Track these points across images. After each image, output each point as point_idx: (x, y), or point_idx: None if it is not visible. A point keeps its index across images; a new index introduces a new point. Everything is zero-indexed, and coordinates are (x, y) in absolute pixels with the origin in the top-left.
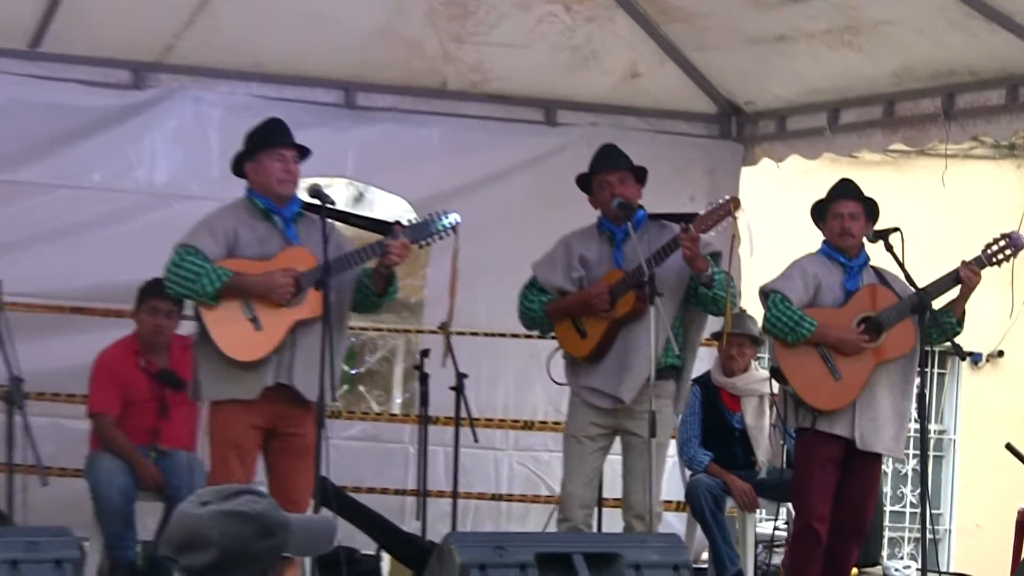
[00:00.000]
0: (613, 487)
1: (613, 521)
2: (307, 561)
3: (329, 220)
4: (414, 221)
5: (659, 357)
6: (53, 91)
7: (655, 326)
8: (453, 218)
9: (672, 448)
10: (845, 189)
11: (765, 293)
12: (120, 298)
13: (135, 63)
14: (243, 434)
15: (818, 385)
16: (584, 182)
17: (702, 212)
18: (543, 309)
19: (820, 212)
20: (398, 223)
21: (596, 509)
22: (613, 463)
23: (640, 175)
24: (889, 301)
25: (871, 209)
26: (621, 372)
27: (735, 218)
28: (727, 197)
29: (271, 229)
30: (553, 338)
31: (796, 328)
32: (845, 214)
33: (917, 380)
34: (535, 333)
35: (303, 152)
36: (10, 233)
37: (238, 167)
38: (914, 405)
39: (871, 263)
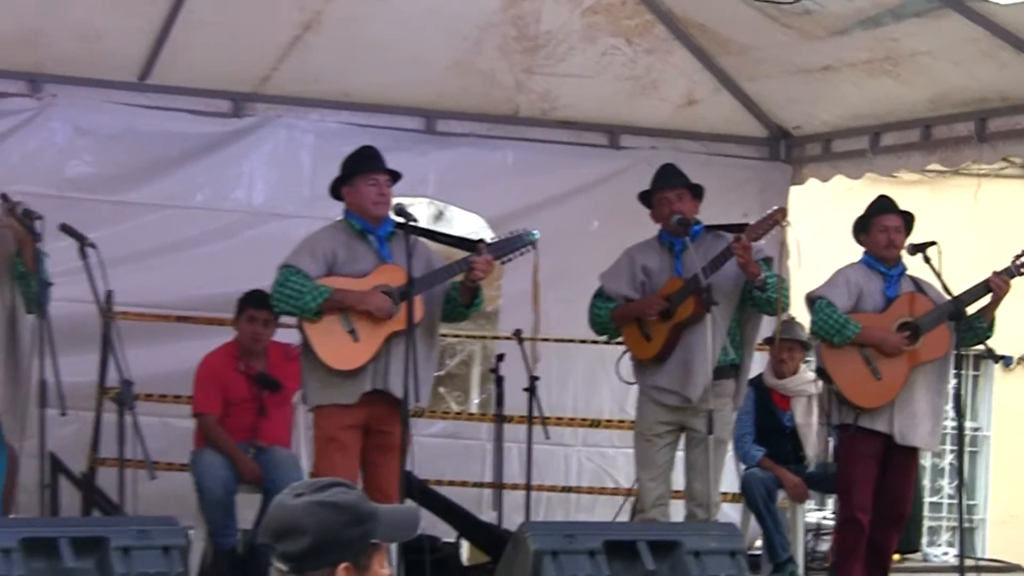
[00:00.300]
0: (676, 480)
1: (676, 511)
2: (393, 548)
3: (419, 237)
4: (497, 239)
5: (718, 358)
6: (161, 120)
7: (711, 333)
8: (534, 235)
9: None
10: (888, 204)
11: (811, 299)
12: (221, 308)
13: (234, 93)
14: (344, 433)
15: (860, 384)
16: (646, 198)
17: (751, 222)
18: (610, 315)
19: (864, 226)
20: (482, 241)
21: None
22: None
23: (697, 192)
24: (926, 308)
25: (909, 223)
26: (685, 372)
27: (783, 226)
28: (774, 208)
29: (367, 248)
30: (620, 343)
31: (842, 330)
32: (891, 227)
33: (953, 381)
34: (601, 339)
35: (395, 176)
36: (122, 249)
37: (335, 191)
38: (950, 404)
39: (908, 272)
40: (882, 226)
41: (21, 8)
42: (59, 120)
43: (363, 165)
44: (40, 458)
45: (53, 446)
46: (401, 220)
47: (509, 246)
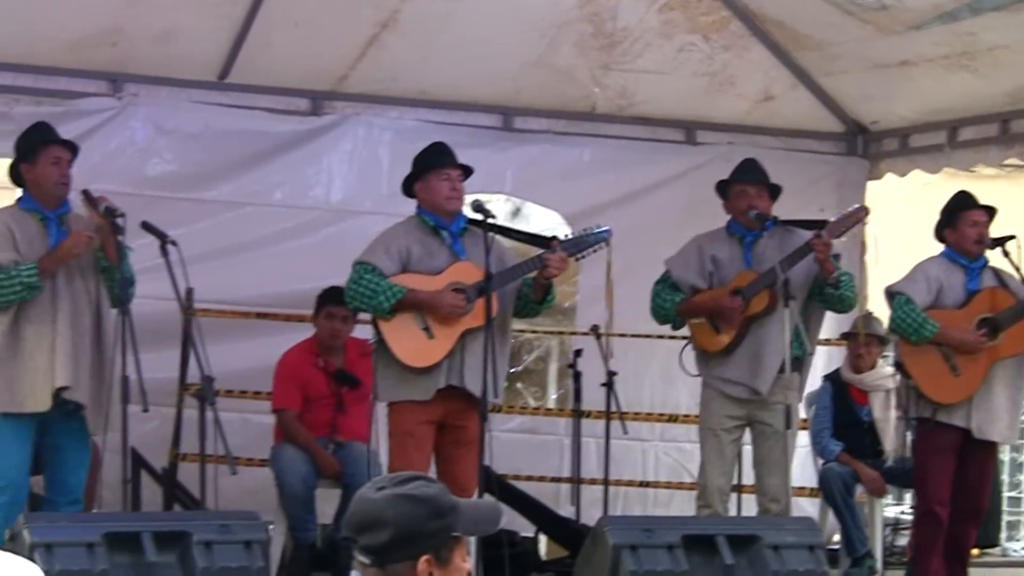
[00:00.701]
0: (747, 475)
1: (748, 506)
2: (472, 542)
3: (493, 234)
4: (571, 236)
5: (791, 348)
6: (240, 118)
7: (788, 326)
8: (606, 232)
9: (805, 438)
10: (973, 199)
11: (891, 294)
12: (300, 304)
13: (313, 92)
14: (419, 429)
15: (939, 380)
16: (722, 187)
17: (833, 219)
18: (675, 308)
19: (951, 220)
20: (556, 238)
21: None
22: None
23: (774, 192)
24: (1007, 302)
25: (991, 217)
26: (755, 365)
27: (865, 225)
28: (858, 205)
29: (440, 244)
30: (685, 339)
31: (920, 330)
32: (981, 222)
33: None
34: (677, 333)
35: (467, 171)
36: (202, 246)
37: (407, 188)
38: None
39: (990, 265)
40: (971, 221)
41: (102, 9)
42: (140, 119)
43: (435, 160)
44: (122, 454)
45: (135, 442)
46: (479, 216)
47: (583, 243)
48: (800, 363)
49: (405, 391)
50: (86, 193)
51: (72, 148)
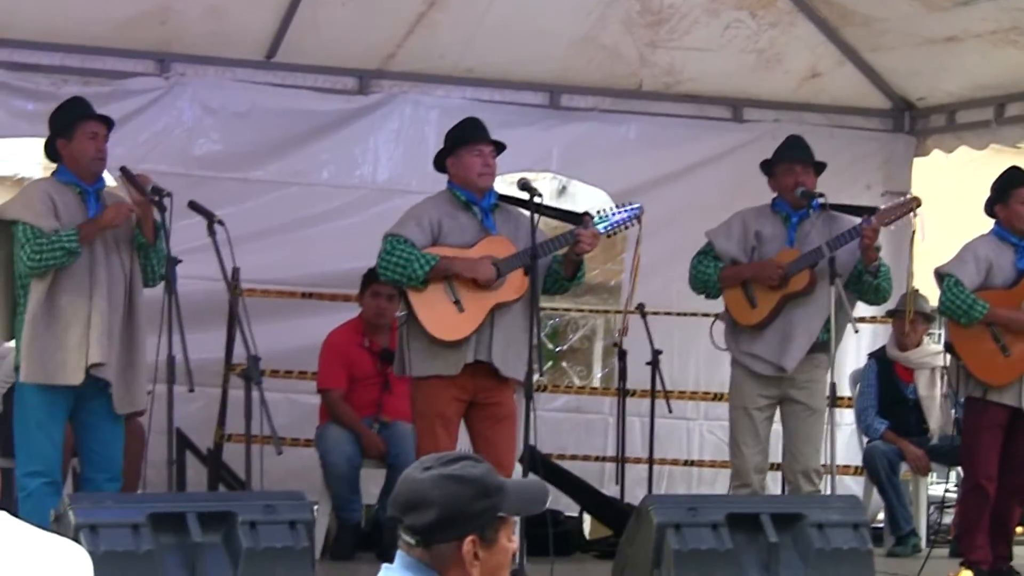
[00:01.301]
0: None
1: (774, 483)
2: (516, 522)
3: (522, 210)
4: (604, 213)
5: (819, 334)
6: (287, 97)
7: (834, 304)
8: (637, 209)
9: (850, 416)
10: None
11: (940, 276)
12: (346, 284)
13: (360, 71)
14: (447, 405)
15: (989, 361)
16: (767, 166)
17: (883, 207)
18: (717, 273)
19: (1002, 197)
20: (587, 214)
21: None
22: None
23: (819, 169)
24: None
25: None
26: (783, 343)
27: (916, 215)
28: (910, 195)
29: (471, 219)
30: (716, 316)
31: (969, 311)
32: None
33: None
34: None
35: (499, 147)
36: (249, 226)
37: (439, 163)
38: None
39: None
40: (1023, 198)
41: None
42: (187, 99)
43: (467, 136)
44: (168, 434)
45: (180, 422)
46: (525, 195)
47: (615, 220)
48: (827, 345)
49: (433, 366)
50: (124, 170)
51: (108, 123)
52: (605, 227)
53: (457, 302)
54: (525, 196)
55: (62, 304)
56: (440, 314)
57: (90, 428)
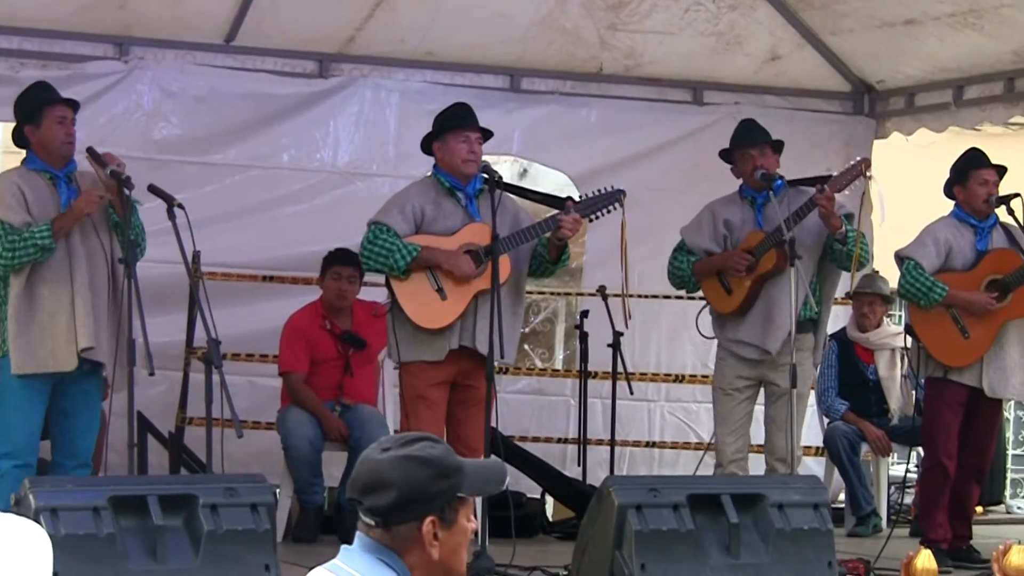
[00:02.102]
0: (756, 434)
1: (756, 465)
2: (478, 503)
3: (507, 194)
4: (585, 197)
5: (799, 311)
6: (247, 81)
7: (795, 285)
8: (619, 192)
9: (812, 398)
10: (984, 158)
11: (900, 259)
12: (307, 267)
13: (320, 54)
14: (432, 390)
15: (949, 343)
16: (726, 155)
17: (834, 173)
18: (691, 268)
19: (961, 178)
20: (570, 199)
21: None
22: (755, 411)
23: (777, 147)
24: (1016, 263)
25: (1001, 176)
26: (766, 325)
27: (867, 177)
28: (859, 158)
29: (455, 206)
30: (701, 298)
31: (928, 294)
32: (991, 181)
33: None
34: (683, 294)
35: (487, 134)
36: (210, 209)
37: (426, 146)
38: None
39: (1000, 221)
40: (982, 179)
41: None
42: (146, 83)
43: (455, 121)
44: (129, 418)
45: (141, 406)
46: (485, 177)
47: (597, 204)
48: (814, 324)
49: (418, 352)
50: (91, 150)
51: (74, 106)
52: (586, 211)
53: (440, 290)
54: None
55: (43, 294)
56: (423, 302)
57: (69, 415)
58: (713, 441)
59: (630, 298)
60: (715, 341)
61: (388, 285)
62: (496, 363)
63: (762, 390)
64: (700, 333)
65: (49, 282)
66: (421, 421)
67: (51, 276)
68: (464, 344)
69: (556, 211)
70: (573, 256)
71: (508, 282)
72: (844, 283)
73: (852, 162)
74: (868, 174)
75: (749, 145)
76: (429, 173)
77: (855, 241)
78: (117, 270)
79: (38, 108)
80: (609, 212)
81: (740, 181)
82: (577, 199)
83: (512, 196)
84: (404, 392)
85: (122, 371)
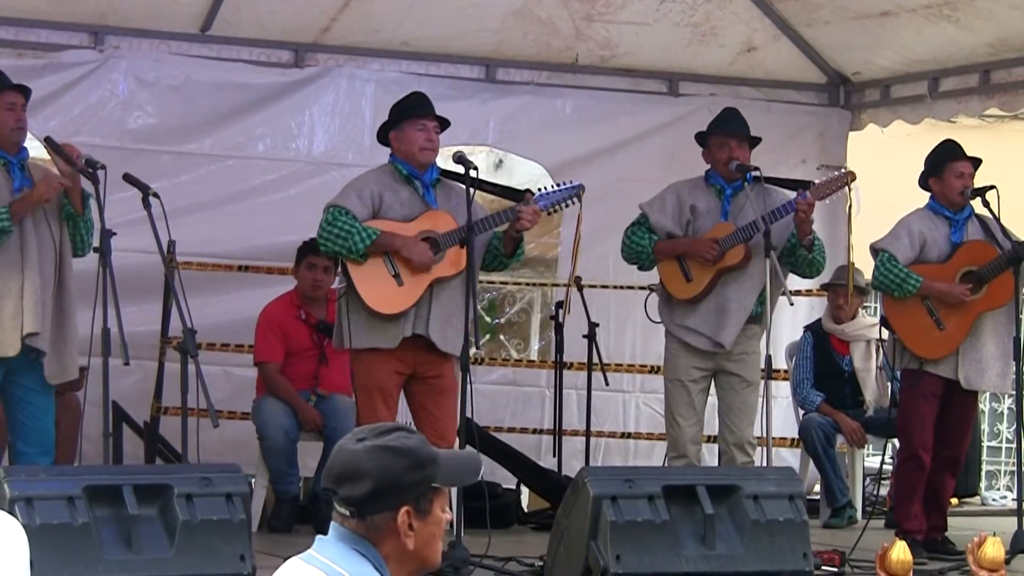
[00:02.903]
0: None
1: (711, 455)
2: (453, 494)
3: (464, 186)
4: (545, 190)
5: (753, 305)
6: (222, 71)
7: (769, 276)
8: (578, 186)
9: (786, 389)
10: (960, 150)
11: (875, 251)
12: (282, 257)
13: (295, 44)
14: (386, 379)
15: (923, 335)
16: (701, 138)
17: (818, 181)
18: (652, 246)
19: (936, 170)
20: (529, 191)
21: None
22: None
23: (754, 143)
24: (990, 255)
25: (977, 168)
26: (719, 318)
27: (851, 190)
28: (844, 170)
29: (412, 193)
30: (651, 289)
31: (903, 284)
32: (967, 174)
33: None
34: (632, 267)
35: (443, 123)
36: (184, 199)
37: (383, 135)
38: None
39: (975, 213)
40: (958, 171)
41: None
42: (121, 72)
43: (412, 110)
44: (104, 407)
45: (116, 395)
46: (460, 169)
47: (556, 197)
48: (759, 318)
49: (371, 338)
50: (50, 140)
51: (25, 92)
52: (545, 204)
53: (396, 275)
54: (461, 170)
55: None
56: (379, 287)
57: (20, 402)
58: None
59: (604, 289)
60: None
61: (344, 269)
62: (448, 353)
63: (713, 381)
64: (648, 316)
65: (1, 267)
66: (377, 413)
67: (2, 262)
68: (418, 332)
69: (515, 203)
70: (549, 247)
71: (461, 273)
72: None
73: (838, 173)
74: (852, 185)
75: (729, 135)
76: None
77: (821, 249)
78: (65, 262)
79: None
80: (567, 206)
81: (708, 167)
82: (536, 191)
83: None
84: (358, 382)
85: (60, 363)
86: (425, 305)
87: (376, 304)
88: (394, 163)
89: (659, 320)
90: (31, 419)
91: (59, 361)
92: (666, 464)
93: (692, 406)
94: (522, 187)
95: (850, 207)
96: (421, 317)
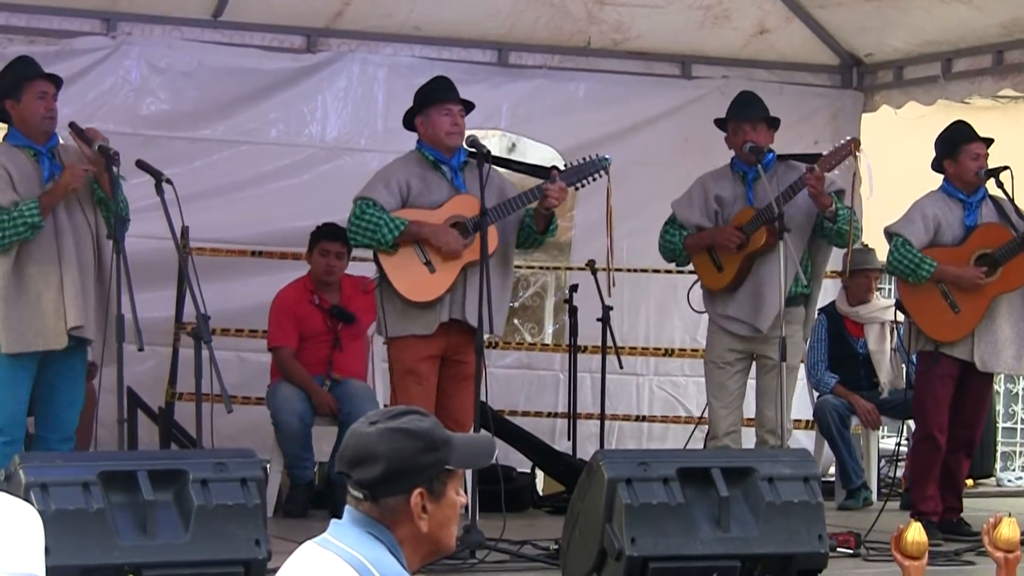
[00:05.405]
0: (747, 408)
1: (747, 439)
2: (468, 478)
3: (493, 167)
4: (570, 165)
5: (789, 287)
6: (234, 56)
7: (784, 260)
8: (606, 160)
9: (801, 371)
10: (974, 132)
11: (889, 235)
12: (296, 242)
13: (308, 29)
14: (422, 364)
15: (938, 318)
16: (722, 124)
17: (824, 153)
18: (683, 242)
19: (951, 152)
20: (555, 168)
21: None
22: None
23: (773, 123)
24: (1005, 237)
25: (988, 147)
26: (756, 302)
27: (856, 157)
28: (848, 138)
29: (440, 179)
30: (691, 272)
31: (917, 269)
32: (982, 155)
33: None
34: (672, 267)
35: (468, 107)
36: (198, 185)
37: (408, 121)
38: None
39: (989, 194)
40: (973, 153)
41: None
42: (133, 58)
43: (437, 95)
44: (118, 393)
45: (131, 381)
46: (474, 151)
47: (582, 172)
48: (805, 299)
49: (407, 326)
50: (73, 126)
51: (57, 81)
52: (571, 180)
53: (428, 263)
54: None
55: (31, 273)
56: (412, 276)
57: (54, 389)
58: (704, 415)
59: (618, 272)
60: (705, 315)
61: (376, 260)
62: (485, 336)
63: (754, 363)
64: (691, 308)
65: (37, 261)
66: (411, 396)
67: (39, 255)
68: (454, 317)
69: (541, 181)
70: (562, 230)
71: (496, 254)
72: (834, 257)
73: (842, 142)
74: (858, 153)
75: (742, 119)
76: (414, 148)
77: (847, 219)
78: (102, 246)
79: (19, 83)
80: (594, 180)
81: (732, 153)
82: (563, 168)
83: (497, 168)
84: (393, 367)
85: (110, 346)
86: (460, 289)
87: (410, 293)
88: (421, 149)
89: (702, 310)
90: (61, 408)
91: (108, 345)
92: (705, 447)
93: (724, 387)
94: (547, 166)
95: (855, 175)
96: (456, 302)
